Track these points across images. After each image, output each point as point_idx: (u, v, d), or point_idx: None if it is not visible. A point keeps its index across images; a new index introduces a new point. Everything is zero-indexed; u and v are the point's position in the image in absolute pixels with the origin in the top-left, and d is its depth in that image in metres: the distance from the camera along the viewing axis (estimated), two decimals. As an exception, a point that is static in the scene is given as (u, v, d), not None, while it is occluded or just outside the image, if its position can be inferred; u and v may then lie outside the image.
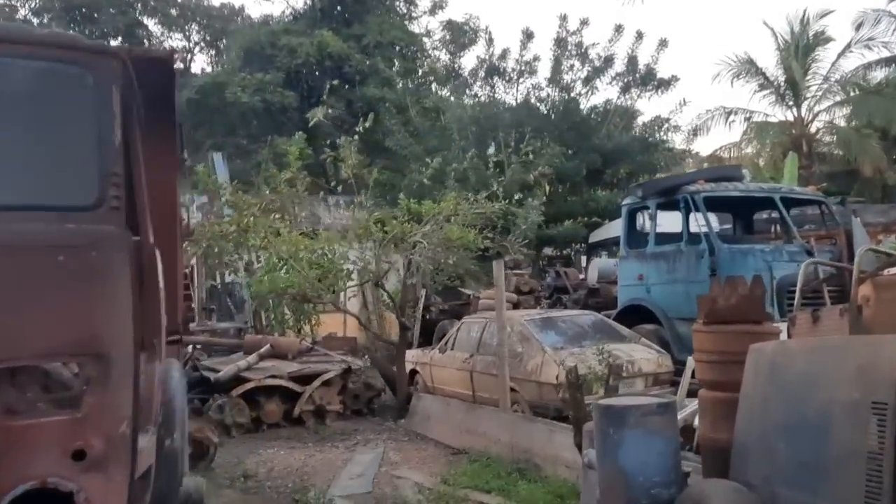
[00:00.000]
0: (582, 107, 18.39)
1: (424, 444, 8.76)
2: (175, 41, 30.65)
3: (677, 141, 19.78)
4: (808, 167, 24.39)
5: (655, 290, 10.06)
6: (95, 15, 27.79)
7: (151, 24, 29.81)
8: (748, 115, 27.94)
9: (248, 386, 9.70)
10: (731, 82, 28.33)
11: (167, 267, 4.98)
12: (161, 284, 3.91)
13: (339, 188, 13.94)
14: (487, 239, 9.62)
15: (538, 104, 17.75)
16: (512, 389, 8.81)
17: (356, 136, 10.16)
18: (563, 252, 17.83)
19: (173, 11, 29.94)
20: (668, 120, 18.43)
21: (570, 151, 16.98)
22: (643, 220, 11.17)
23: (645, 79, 18.28)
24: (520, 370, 8.86)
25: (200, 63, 31.96)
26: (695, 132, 21.31)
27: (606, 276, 12.23)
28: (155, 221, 4.85)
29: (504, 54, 18.12)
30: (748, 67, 27.68)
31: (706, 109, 28.20)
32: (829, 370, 3.50)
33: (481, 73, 18.39)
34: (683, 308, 9.14)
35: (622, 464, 4.06)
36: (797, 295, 4.36)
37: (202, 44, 30.80)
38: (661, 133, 18.43)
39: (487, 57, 18.40)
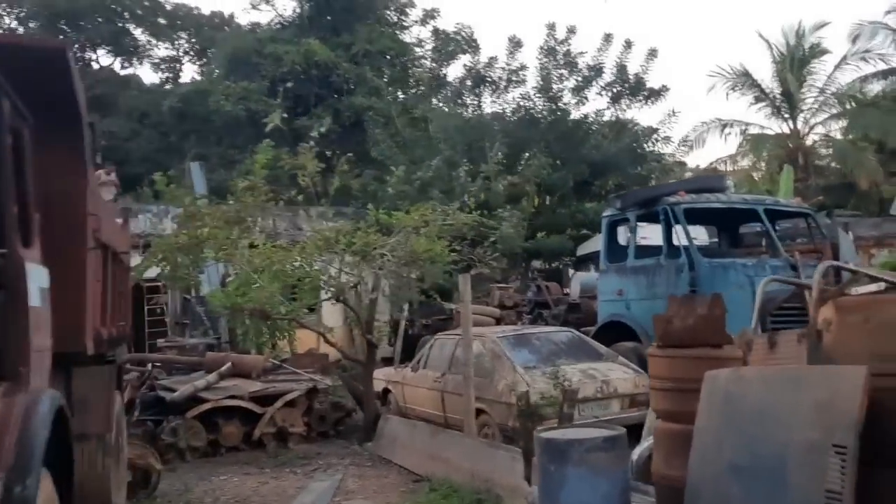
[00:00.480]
0: (571, 117, 17.99)
1: (387, 470, 8.27)
2: (164, 50, 30.40)
3: (669, 152, 19.36)
4: (804, 180, 23.99)
5: (635, 305, 9.60)
6: (81, 23, 27.47)
7: (138, 33, 29.50)
8: (744, 128, 27.60)
9: (205, 407, 9.21)
10: (727, 94, 28.04)
11: (72, 281, 4.58)
12: (36, 302, 3.47)
13: (324, 199, 13.50)
14: (455, 252, 9.15)
15: (525, 114, 17.34)
16: (483, 411, 8.37)
17: (312, 143, 9.72)
18: (552, 265, 17.39)
19: (162, 20, 29.64)
20: (656, 130, 18.03)
21: (557, 162, 16.59)
22: (626, 233, 10.73)
23: (634, 89, 17.89)
24: (490, 391, 8.40)
25: (190, 72, 31.64)
26: (685, 142, 20.90)
27: (589, 291, 11.77)
28: (55, 230, 4.45)
29: (491, 63, 17.75)
30: (744, 79, 27.33)
31: (701, 121, 27.87)
32: (784, 405, 3.04)
33: (468, 83, 18.01)
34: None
35: (563, 506, 3.62)
36: (754, 316, 3.91)
37: (191, 53, 30.48)
38: (652, 144, 18.02)
39: (473, 66, 18.03)
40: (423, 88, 20.74)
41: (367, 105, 20.38)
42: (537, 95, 17.33)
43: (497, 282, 16.02)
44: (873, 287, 3.45)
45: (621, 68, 17.73)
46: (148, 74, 29.88)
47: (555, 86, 17.23)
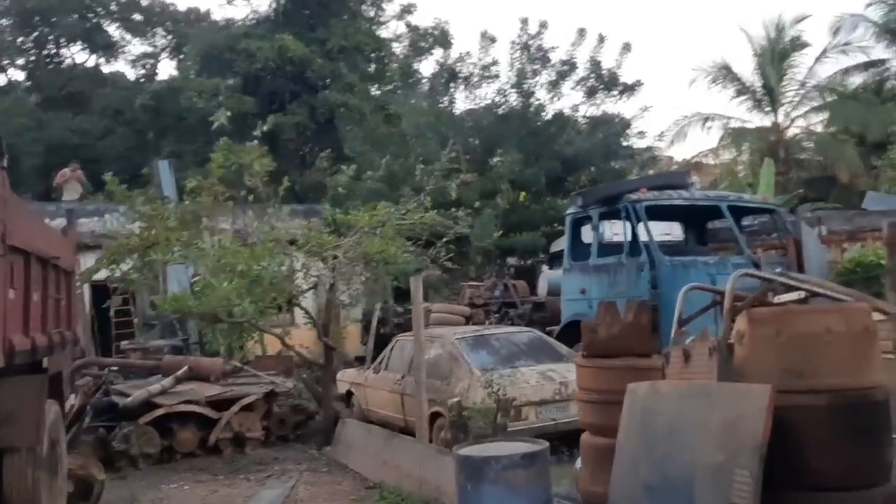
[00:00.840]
0: (545, 112, 17.80)
1: (342, 476, 8.06)
2: (140, 47, 29.96)
3: (645, 146, 19.17)
4: (785, 173, 23.90)
5: (598, 304, 9.40)
6: (54, 19, 27.03)
7: (113, 30, 29.08)
8: (725, 121, 27.48)
9: (159, 412, 8.97)
10: (708, 88, 27.91)
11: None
12: None
13: (273, 199, 13.17)
14: (408, 252, 8.94)
15: (497, 110, 17.14)
16: (440, 415, 8.19)
17: (256, 141, 9.48)
18: (526, 262, 17.21)
19: (137, 16, 29.21)
20: (629, 125, 17.86)
21: (534, 158, 16.39)
22: (594, 230, 10.55)
23: (609, 83, 17.71)
24: (447, 393, 8.22)
25: (168, 69, 31.28)
26: (661, 136, 20.77)
27: (556, 289, 11.59)
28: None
29: (462, 58, 17.54)
30: (725, 73, 27.21)
31: (683, 115, 27.75)
32: (694, 423, 2.87)
33: (441, 79, 17.79)
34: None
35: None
36: (674, 325, 3.73)
37: (168, 49, 30.06)
38: (626, 139, 17.84)
39: (444, 61, 17.81)
40: (398, 84, 20.48)
41: (342, 101, 20.13)
42: (510, 91, 17.14)
43: (473, 279, 15.86)
44: (795, 296, 3.27)
45: (595, 63, 17.55)
46: (126, 71, 29.19)
47: (528, 81, 17.02)
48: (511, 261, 17.52)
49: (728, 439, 2.64)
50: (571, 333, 9.62)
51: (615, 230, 10.18)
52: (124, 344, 13.22)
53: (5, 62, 28.17)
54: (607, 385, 3.73)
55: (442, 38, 18.69)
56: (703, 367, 3.15)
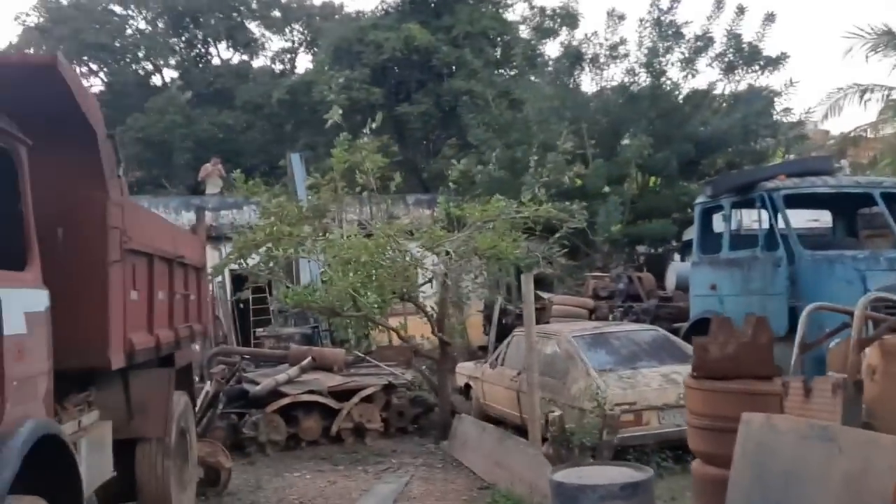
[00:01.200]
0: (679, 92, 16.82)
1: (456, 474, 8.02)
2: (279, 43, 31.16)
3: (791, 123, 17.67)
4: (956, 149, 21.43)
5: (729, 301, 8.77)
6: (201, 19, 28.62)
7: (254, 27, 30.41)
8: (887, 93, 24.97)
9: (284, 401, 9.32)
10: (867, 57, 25.41)
11: (92, 297, 4.56)
12: (17, 329, 3.41)
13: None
14: (520, 248, 8.66)
15: (624, 91, 16.36)
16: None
17: (366, 137, 9.46)
18: (657, 251, 16.43)
19: (276, 13, 30.40)
20: (772, 101, 16.52)
21: (665, 140, 15.57)
22: (726, 221, 9.84)
23: (749, 58, 16.47)
24: (563, 394, 7.96)
25: (305, 63, 32.31)
26: (808, 112, 19.10)
27: (686, 283, 10.93)
28: (74, 246, 4.44)
29: (588, 38, 16.86)
30: (887, 39, 24.71)
31: (837, 87, 25.43)
32: (812, 472, 2.49)
33: (566, 61, 17.22)
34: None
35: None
36: (795, 350, 3.24)
37: (304, 44, 31.12)
38: (768, 116, 16.50)
39: (569, 42, 17.19)
40: (525, 68, 20.06)
41: (466, 88, 20.00)
42: (640, 70, 16.31)
43: (598, 269, 15.34)
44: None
45: (734, 36, 16.36)
46: (266, 67, 30.45)
47: (659, 59, 16.11)
48: (641, 249, 16.81)
49: (851, 496, 2.27)
50: (700, 332, 9.02)
51: (750, 219, 9.41)
52: (259, 331, 13.86)
53: (160, 63, 30.17)
54: (719, 410, 3.37)
55: (569, 19, 18.07)
56: (826, 406, 2.73)
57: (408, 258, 9.12)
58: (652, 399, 7.45)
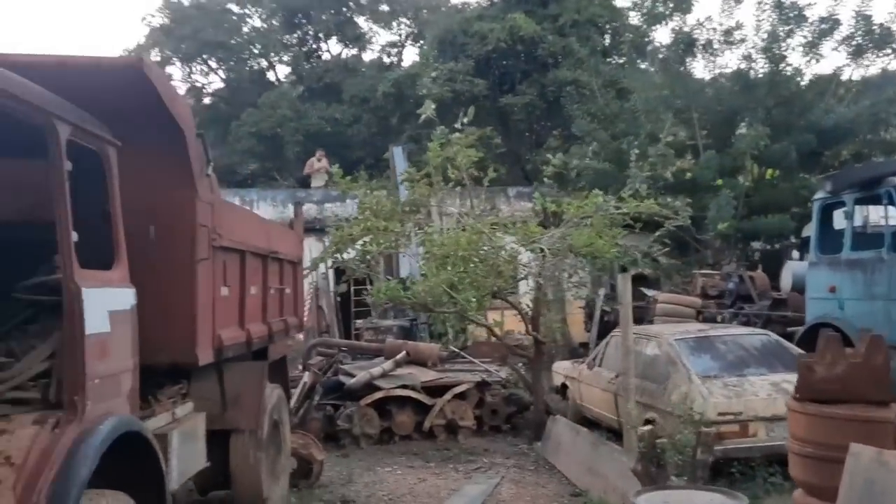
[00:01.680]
0: (801, 78, 15.74)
1: (548, 478, 7.80)
2: (386, 36, 31.59)
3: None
4: None
5: (850, 306, 8.09)
6: (312, 15, 29.35)
7: (362, 22, 30.95)
8: None
9: (378, 395, 9.38)
10: None
11: (180, 294, 4.66)
12: (100, 328, 3.49)
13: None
14: (617, 246, 8.28)
15: (739, 78, 15.46)
16: (654, 422, 7.56)
17: (457, 132, 9.27)
18: (773, 247, 15.48)
19: (384, 7, 30.82)
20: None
21: (783, 130, 14.62)
22: (848, 219, 9.08)
23: (880, 41, 15.20)
24: (662, 400, 7.57)
25: (411, 56, 32.69)
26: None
27: (802, 284, 10.18)
28: (163, 244, 4.54)
29: (701, 24, 16.04)
30: None
31: None
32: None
33: (677, 47, 16.45)
34: (884, 333, 7.15)
35: None
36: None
37: (411, 37, 31.38)
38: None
39: (681, 27, 16.40)
40: (634, 56, 19.36)
41: (572, 78, 19.53)
42: (758, 56, 15.36)
43: (709, 265, 14.63)
44: None
45: (863, 18, 15.14)
46: (373, 60, 30.93)
47: (779, 43, 15.11)
48: (756, 245, 15.90)
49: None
50: (816, 338, 8.39)
51: (877, 216, 8.63)
52: (359, 323, 14.05)
53: (274, 59, 31.22)
54: (824, 437, 3.03)
55: (682, 3, 17.25)
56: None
57: (503, 254, 8.95)
58: (760, 409, 6.95)
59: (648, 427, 5.13)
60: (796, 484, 3.34)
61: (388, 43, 31.85)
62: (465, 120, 9.50)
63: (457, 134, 9.26)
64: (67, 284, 3.28)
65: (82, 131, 3.56)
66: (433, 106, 10.22)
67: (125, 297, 3.84)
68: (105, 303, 3.58)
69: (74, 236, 3.31)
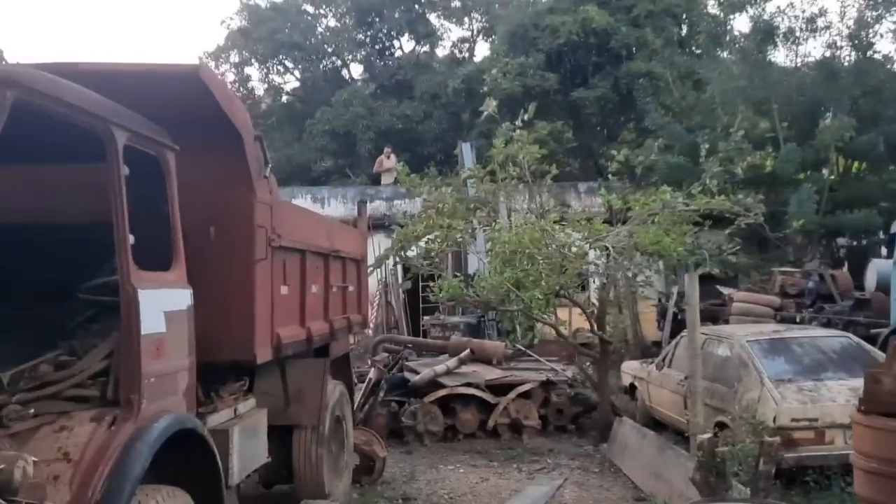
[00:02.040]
0: (890, 66, 14.94)
1: (613, 481, 7.65)
2: (458, 32, 31.57)
3: None
4: None
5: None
6: (384, 12, 29.57)
7: (433, 18, 30.99)
8: None
9: (441, 393, 9.39)
10: None
11: (239, 293, 4.75)
12: (156, 328, 3.60)
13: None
14: (685, 244, 7.99)
15: (823, 67, 14.75)
16: (725, 426, 7.31)
17: (518, 129, 9.12)
18: (860, 243, 14.75)
19: (455, 3, 30.80)
20: None
21: (870, 121, 13.91)
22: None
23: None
24: (733, 404, 7.30)
25: (483, 51, 32.49)
26: None
27: (887, 284, 9.65)
28: (221, 245, 4.64)
29: (781, 11, 15.39)
30: None
31: None
32: None
33: (757, 37, 15.83)
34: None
35: None
36: None
37: (483, 32, 31.28)
38: None
39: (760, 15, 15.77)
40: (711, 46, 18.73)
41: (646, 70, 19.08)
42: (843, 43, 14.66)
43: (790, 262, 14.07)
44: None
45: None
46: (445, 56, 31.00)
47: (867, 30, 14.36)
48: (841, 241, 15.19)
49: None
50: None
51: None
52: (426, 319, 14.12)
53: (348, 58, 31.66)
54: (891, 453, 2.84)
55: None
56: None
57: (570, 251, 8.80)
58: (837, 416, 6.61)
59: (708, 435, 4.94)
60: (860, 501, 3.15)
61: (460, 39, 31.88)
62: (527, 117, 9.39)
63: (518, 131, 9.15)
64: (124, 286, 3.39)
65: (140, 136, 3.66)
66: (495, 103, 10.13)
67: (182, 298, 3.94)
68: (161, 303, 3.68)
69: (131, 239, 3.41)
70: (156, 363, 3.56)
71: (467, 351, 10.02)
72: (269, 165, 4.97)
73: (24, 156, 3.96)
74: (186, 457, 3.82)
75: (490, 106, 10.04)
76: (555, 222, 8.87)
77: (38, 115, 3.01)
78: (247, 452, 5.02)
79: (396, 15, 29.91)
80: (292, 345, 5.55)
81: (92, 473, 3.05)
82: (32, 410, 2.95)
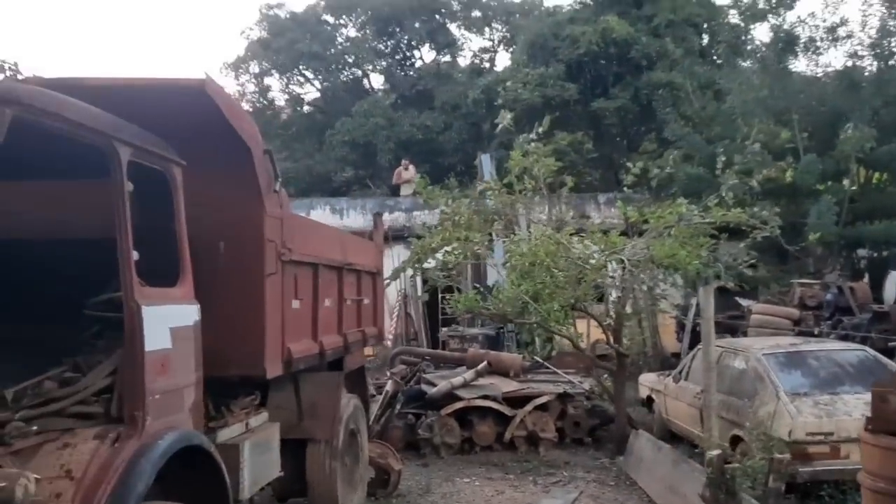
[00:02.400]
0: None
1: (628, 495, 7.59)
2: (479, 42, 31.58)
3: None
4: None
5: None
6: (404, 22, 29.66)
7: (454, 28, 31.05)
8: None
9: (458, 405, 9.37)
10: None
11: (248, 308, 4.77)
12: (161, 344, 3.63)
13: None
14: (700, 257, 7.91)
15: (844, 77, 14.57)
16: (741, 439, 7.23)
17: (532, 141, 9.09)
18: (881, 254, 14.51)
19: (476, 13, 30.85)
20: None
21: (892, 132, 13.71)
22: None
23: None
24: (749, 417, 7.22)
25: (504, 61, 32.51)
26: None
27: (909, 295, 9.50)
28: (230, 260, 4.66)
29: (802, 21, 15.24)
30: None
31: None
32: None
33: (777, 46, 15.69)
34: None
35: None
36: None
37: (503, 42, 31.30)
38: None
39: (780, 24, 15.63)
40: (731, 56, 18.59)
41: (666, 80, 18.98)
42: (864, 53, 14.47)
43: (810, 274, 13.87)
44: None
45: None
46: (465, 67, 31.03)
47: (890, 39, 14.17)
48: (862, 253, 14.95)
49: None
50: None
51: None
52: (444, 331, 14.11)
53: (368, 68, 31.81)
54: (898, 475, 2.79)
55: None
56: None
57: (588, 263, 8.75)
58: (853, 430, 6.43)
59: (717, 452, 4.87)
60: (869, 523, 3.10)
61: (481, 49, 31.91)
62: (542, 129, 9.37)
63: (534, 144, 9.14)
64: (128, 302, 3.41)
65: (144, 152, 3.67)
66: (510, 115, 10.13)
67: (188, 314, 3.95)
68: (167, 319, 3.69)
69: (135, 255, 3.43)
70: (161, 380, 3.58)
71: (484, 363, 9.99)
72: (279, 179, 4.98)
73: (30, 172, 4.00)
74: (194, 473, 3.83)
75: (505, 119, 10.05)
76: (571, 234, 8.83)
77: (44, 131, 3.05)
78: (258, 467, 5.01)
79: (417, 25, 30.02)
80: (304, 359, 5.55)
81: (94, 491, 3.05)
82: (35, 427, 2.98)
